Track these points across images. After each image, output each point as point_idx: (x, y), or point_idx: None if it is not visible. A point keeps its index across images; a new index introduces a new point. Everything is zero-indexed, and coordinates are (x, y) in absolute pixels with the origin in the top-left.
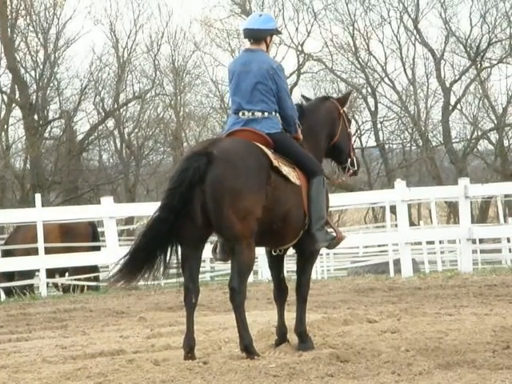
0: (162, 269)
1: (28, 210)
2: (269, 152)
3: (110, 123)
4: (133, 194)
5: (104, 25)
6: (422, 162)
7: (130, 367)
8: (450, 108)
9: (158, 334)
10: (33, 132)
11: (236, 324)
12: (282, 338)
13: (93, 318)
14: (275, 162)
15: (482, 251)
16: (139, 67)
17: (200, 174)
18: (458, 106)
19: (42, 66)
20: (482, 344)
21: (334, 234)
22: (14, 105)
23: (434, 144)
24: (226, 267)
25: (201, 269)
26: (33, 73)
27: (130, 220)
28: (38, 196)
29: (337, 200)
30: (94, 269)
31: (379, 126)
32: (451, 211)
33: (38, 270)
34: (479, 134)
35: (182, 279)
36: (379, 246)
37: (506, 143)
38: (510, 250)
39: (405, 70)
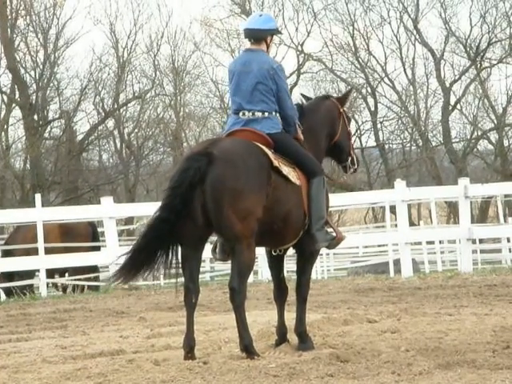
0: (164, 269)
1: (28, 210)
2: (269, 152)
3: (110, 123)
4: (133, 194)
5: (104, 25)
6: (422, 161)
7: (130, 367)
8: (450, 108)
9: (157, 334)
10: (33, 132)
11: (236, 324)
12: (282, 338)
13: (93, 318)
14: (275, 162)
15: (482, 251)
16: (139, 67)
17: (200, 174)
18: (458, 106)
19: (41, 66)
20: (482, 344)
21: (334, 234)
22: (13, 105)
23: (433, 144)
24: (225, 267)
25: (201, 269)
26: (33, 73)
27: (129, 220)
28: (37, 196)
29: (337, 200)
30: (93, 269)
31: (379, 125)
32: (451, 211)
33: (38, 270)
34: (479, 133)
35: (182, 279)
36: (379, 245)
37: (505, 143)
38: (509, 249)
39: (405, 70)
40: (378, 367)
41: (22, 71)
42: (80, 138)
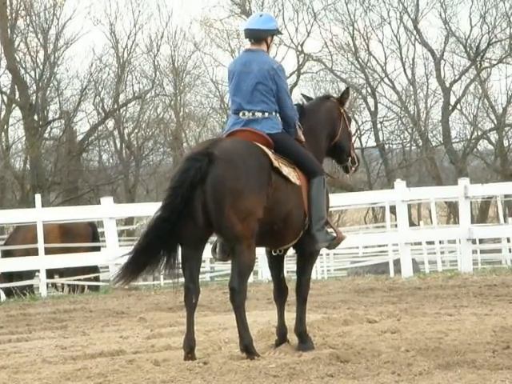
0: (165, 269)
1: (28, 211)
2: (269, 152)
3: (110, 123)
4: (133, 195)
5: (104, 25)
6: (422, 162)
7: (130, 367)
8: (450, 108)
9: (158, 334)
10: (33, 132)
11: (236, 324)
12: (282, 338)
13: (93, 319)
14: (276, 163)
15: (482, 251)
16: (139, 67)
17: (201, 174)
18: (458, 106)
19: (41, 67)
20: (482, 344)
21: (335, 235)
22: (13, 105)
23: (433, 144)
24: (225, 267)
25: (201, 269)
26: (33, 73)
27: (129, 220)
28: (37, 196)
29: (337, 200)
30: (93, 269)
31: (379, 126)
32: (451, 211)
33: (38, 271)
34: (479, 134)
35: (182, 279)
36: (379, 246)
37: (505, 143)
38: (509, 249)
39: (404, 70)
40: (378, 367)
41: (22, 71)
42: (80, 138)
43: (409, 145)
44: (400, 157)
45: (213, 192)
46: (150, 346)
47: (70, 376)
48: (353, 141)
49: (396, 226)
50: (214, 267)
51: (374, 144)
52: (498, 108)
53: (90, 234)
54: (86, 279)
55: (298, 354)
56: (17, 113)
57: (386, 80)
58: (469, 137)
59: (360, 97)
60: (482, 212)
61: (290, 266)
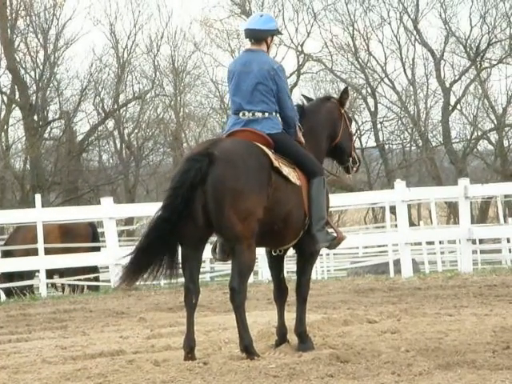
0: (166, 269)
1: (28, 211)
2: (269, 152)
3: (110, 124)
4: (133, 195)
5: (104, 25)
6: (422, 162)
7: (130, 368)
8: (450, 108)
9: (158, 334)
10: (33, 132)
11: (236, 324)
12: (282, 338)
13: (93, 319)
14: (276, 163)
15: (482, 251)
16: (139, 68)
17: (201, 174)
18: (458, 107)
19: (41, 67)
20: (482, 344)
21: (335, 235)
22: (13, 105)
23: (433, 144)
24: (225, 267)
25: (201, 269)
26: (33, 73)
27: (129, 221)
28: (37, 196)
29: (337, 200)
30: (93, 269)
31: (379, 126)
32: (451, 211)
33: (38, 271)
34: (479, 134)
35: (182, 279)
36: (379, 246)
37: (505, 143)
38: (509, 250)
39: (404, 70)
40: (378, 368)
41: (22, 72)
42: (80, 138)
43: (409, 145)
44: (400, 157)
45: (213, 192)
46: (150, 346)
47: (69, 376)
48: (354, 141)
49: (396, 226)
50: (214, 267)
51: (374, 144)
52: (498, 108)
53: (89, 234)
54: (85, 279)
55: (297, 355)
56: (17, 113)
57: (385, 80)
58: (469, 137)
59: (360, 97)
60: (482, 212)
61: (290, 266)
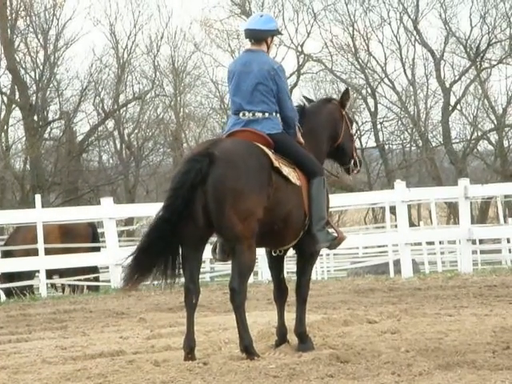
0: (167, 270)
1: (28, 211)
2: (269, 152)
3: (110, 124)
4: (132, 195)
5: (104, 26)
6: (422, 162)
7: (130, 368)
8: (450, 108)
9: (157, 334)
10: (33, 133)
11: (236, 325)
12: (281, 338)
13: (93, 319)
14: (276, 163)
15: (482, 252)
16: (139, 68)
17: (202, 175)
18: (458, 107)
19: (41, 67)
20: (482, 345)
21: (335, 235)
22: (13, 106)
23: (433, 144)
24: (225, 268)
25: (201, 269)
26: (33, 74)
27: (129, 221)
28: (37, 197)
29: (337, 200)
30: (93, 270)
31: (379, 126)
32: (451, 212)
33: (38, 271)
34: (479, 134)
35: (182, 280)
36: (379, 246)
37: (505, 144)
38: (509, 250)
39: (404, 70)
40: (378, 368)
41: (22, 72)
42: (80, 138)
43: (409, 145)
44: (400, 157)
45: (213, 192)
46: (150, 346)
47: (69, 376)
48: (355, 143)
49: (396, 226)
50: (214, 267)
51: (374, 144)
52: (498, 108)
53: (89, 235)
54: (85, 280)
55: (297, 355)
56: (17, 113)
57: (385, 80)
58: (469, 137)
59: (360, 97)
60: (482, 212)
61: (290, 266)
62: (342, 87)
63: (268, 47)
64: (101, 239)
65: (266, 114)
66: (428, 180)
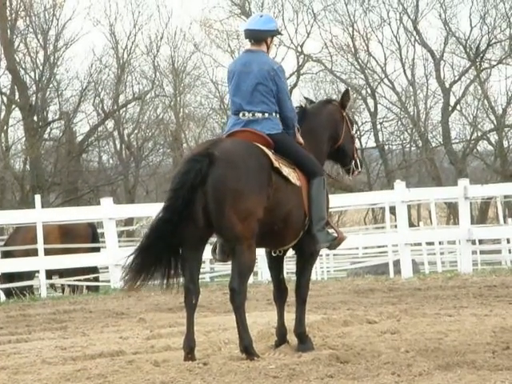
0: (170, 271)
1: (28, 211)
2: (269, 153)
3: (110, 124)
4: (132, 195)
5: (103, 26)
6: (422, 162)
7: (130, 368)
8: (450, 109)
9: (157, 335)
10: (32, 133)
11: (236, 325)
12: (281, 338)
13: (92, 319)
14: (276, 163)
15: (482, 252)
16: (139, 68)
17: (202, 175)
18: (458, 107)
19: (41, 67)
20: (481, 345)
21: (335, 235)
22: (13, 106)
23: (433, 145)
24: (225, 268)
25: (201, 269)
26: (32, 74)
27: (129, 221)
28: (37, 197)
29: (337, 201)
30: (93, 270)
31: (379, 126)
32: (451, 212)
33: (38, 271)
34: (479, 134)
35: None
36: (379, 246)
37: (505, 144)
38: (509, 250)
39: (404, 70)
40: (378, 368)
41: (22, 72)
42: (80, 139)
43: (408, 145)
44: (400, 157)
45: (213, 193)
46: (150, 346)
47: (69, 377)
48: (356, 144)
49: (396, 226)
50: (213, 268)
51: (374, 145)
52: (498, 109)
53: (89, 235)
54: (85, 280)
55: (297, 355)
56: (16, 113)
57: (385, 81)
58: (468, 137)
59: (360, 98)
60: (482, 213)
61: (289, 266)
62: (342, 87)
63: (268, 47)
64: (101, 239)
65: (266, 115)
66: (428, 180)
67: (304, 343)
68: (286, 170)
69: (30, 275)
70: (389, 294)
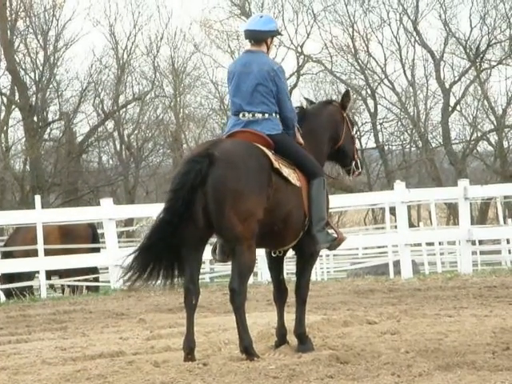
0: (170, 271)
1: (28, 212)
2: (269, 153)
3: (110, 125)
4: (132, 196)
5: (103, 26)
6: (422, 163)
7: (130, 369)
8: (450, 109)
9: (157, 335)
10: (32, 134)
11: (236, 325)
12: (281, 339)
13: (92, 320)
14: (276, 164)
15: (482, 252)
16: (139, 69)
17: (202, 176)
18: (458, 108)
19: (41, 68)
20: (481, 345)
21: (335, 235)
22: (13, 106)
23: (433, 145)
24: (225, 268)
25: (200, 270)
26: (32, 74)
27: (129, 222)
28: (37, 197)
29: (336, 201)
30: (93, 270)
31: (379, 127)
32: (451, 212)
33: (38, 272)
34: (479, 135)
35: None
36: (379, 247)
37: (505, 144)
38: (509, 251)
39: (404, 71)
40: (378, 369)
41: (22, 73)
42: (80, 139)
43: (408, 146)
44: (400, 158)
45: (213, 193)
46: (150, 347)
47: (69, 377)
48: (356, 145)
49: (396, 227)
50: (213, 268)
51: (374, 145)
52: (498, 109)
53: (89, 236)
54: (85, 280)
55: (297, 356)
56: (16, 114)
57: (385, 81)
58: (468, 138)
59: (360, 98)
60: (482, 213)
61: (289, 267)
62: (342, 88)
63: (268, 48)
64: (101, 240)
65: (266, 115)
66: (428, 181)
67: (304, 344)
68: (286, 171)
69: (30, 276)
70: (389, 295)
